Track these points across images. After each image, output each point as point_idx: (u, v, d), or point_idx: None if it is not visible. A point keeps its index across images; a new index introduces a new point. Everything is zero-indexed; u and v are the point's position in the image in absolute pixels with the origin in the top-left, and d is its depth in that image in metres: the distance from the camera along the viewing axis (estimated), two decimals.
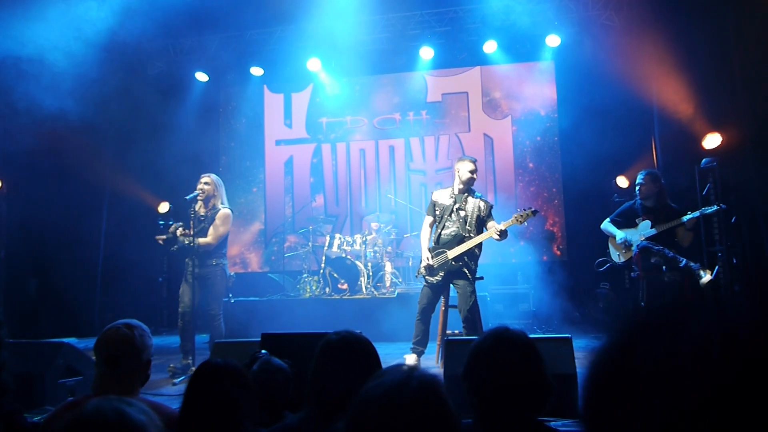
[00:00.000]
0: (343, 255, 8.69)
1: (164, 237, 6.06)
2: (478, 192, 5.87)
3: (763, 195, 6.98)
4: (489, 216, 5.76)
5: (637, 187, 6.04)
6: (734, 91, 7.33)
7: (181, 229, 6.02)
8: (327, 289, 8.66)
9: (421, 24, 9.82)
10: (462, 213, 5.70)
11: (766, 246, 6.79)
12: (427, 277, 5.74)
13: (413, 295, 6.00)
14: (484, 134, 10.32)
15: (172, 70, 10.39)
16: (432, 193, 6.05)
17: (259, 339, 3.83)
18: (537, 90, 10.07)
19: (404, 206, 9.82)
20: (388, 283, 8.57)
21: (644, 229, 5.90)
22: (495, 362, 1.85)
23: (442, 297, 5.89)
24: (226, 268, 6.26)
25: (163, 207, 9.70)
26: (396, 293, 8.22)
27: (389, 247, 8.97)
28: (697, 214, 5.70)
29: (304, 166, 10.84)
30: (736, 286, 7.25)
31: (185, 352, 5.93)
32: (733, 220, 7.32)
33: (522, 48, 9.91)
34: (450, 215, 5.72)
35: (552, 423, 1.86)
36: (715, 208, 5.87)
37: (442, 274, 5.67)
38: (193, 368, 5.69)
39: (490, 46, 9.79)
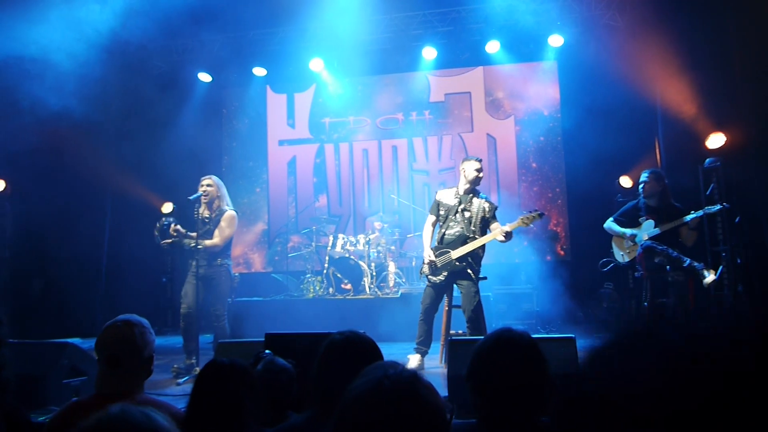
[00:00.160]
0: (347, 255, 8.69)
1: (170, 241, 6.04)
2: (482, 193, 5.87)
3: (766, 194, 6.97)
4: (493, 217, 5.77)
5: (641, 186, 6.03)
6: (737, 90, 7.32)
7: (173, 224, 6.01)
8: (330, 290, 8.66)
9: (423, 24, 9.82)
10: (467, 213, 5.70)
11: None
12: (430, 277, 5.73)
13: (416, 295, 6.00)
14: (487, 134, 10.31)
15: (174, 71, 10.40)
16: (436, 192, 6.05)
17: (262, 339, 3.83)
18: (540, 90, 10.06)
19: (407, 206, 9.82)
20: (391, 283, 8.57)
21: (648, 228, 5.89)
22: (498, 363, 1.85)
23: (445, 297, 5.89)
24: (230, 269, 6.26)
25: (167, 207, 9.71)
26: (399, 293, 8.22)
27: (392, 247, 8.97)
28: (700, 213, 5.69)
29: (307, 167, 10.84)
30: (740, 287, 7.24)
31: (189, 352, 5.93)
32: (737, 220, 7.30)
33: (525, 48, 9.90)
34: (454, 215, 5.72)
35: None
36: (719, 207, 5.86)
37: (445, 274, 5.66)
38: (197, 368, 5.72)
39: (493, 46, 9.79)
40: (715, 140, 7.45)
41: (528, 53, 9.98)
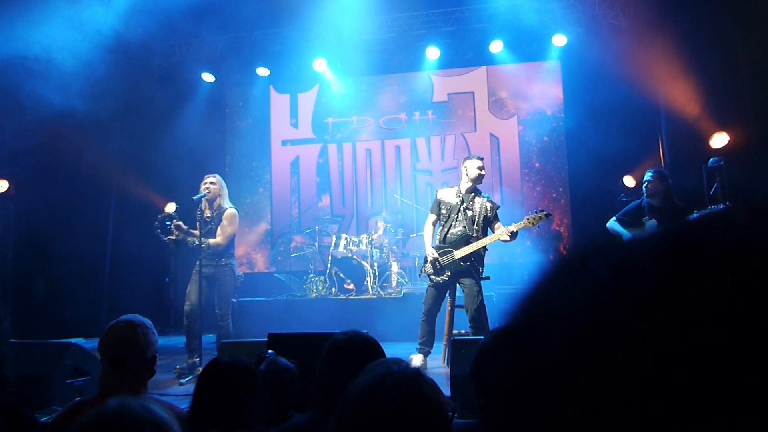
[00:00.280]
0: (349, 255, 8.69)
1: (173, 238, 6.05)
2: (483, 192, 5.87)
3: None
4: (495, 217, 5.77)
5: (645, 185, 6.01)
6: (741, 90, 7.30)
7: (175, 220, 6.01)
8: (333, 289, 8.67)
9: (427, 24, 9.82)
10: (469, 213, 5.69)
11: None
12: (432, 277, 5.72)
13: (419, 295, 6.00)
14: (490, 134, 10.31)
15: (178, 70, 10.41)
16: (437, 191, 6.04)
17: (265, 339, 3.83)
18: (543, 90, 10.05)
19: (410, 206, 9.81)
20: (394, 283, 8.57)
21: (651, 228, 5.87)
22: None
23: (448, 297, 5.89)
24: (235, 268, 6.27)
25: (170, 207, 9.71)
26: (402, 293, 8.21)
27: (395, 247, 8.97)
28: (704, 213, 5.67)
29: (310, 167, 10.84)
30: None
31: (191, 351, 5.94)
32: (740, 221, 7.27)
33: (528, 48, 9.89)
34: (457, 215, 5.71)
35: None
36: (723, 207, 5.83)
37: (448, 273, 5.65)
38: (200, 368, 5.72)
39: (496, 46, 9.78)
40: (719, 140, 7.43)
41: (531, 53, 9.97)
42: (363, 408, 1.12)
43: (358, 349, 2.09)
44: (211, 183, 6.12)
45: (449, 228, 5.71)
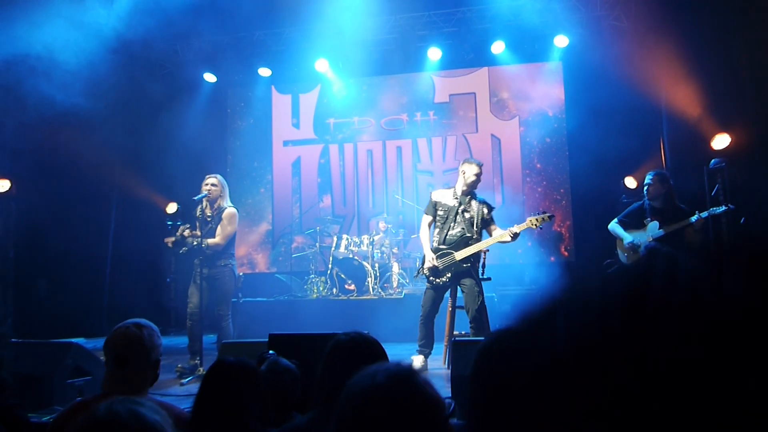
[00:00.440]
0: (351, 256, 8.69)
1: (173, 239, 6.07)
2: (480, 194, 5.89)
3: None
4: (491, 219, 5.80)
5: (646, 188, 6.01)
6: (743, 91, 7.30)
7: (188, 230, 6.04)
8: (334, 290, 8.67)
9: (428, 25, 9.83)
10: (467, 215, 5.70)
11: None
12: (432, 278, 5.71)
13: (420, 296, 5.99)
14: (492, 135, 10.31)
15: (179, 71, 10.42)
16: (431, 193, 6.04)
17: (266, 339, 3.83)
18: (545, 91, 10.05)
19: (411, 207, 9.81)
20: (395, 284, 8.57)
21: (652, 230, 5.87)
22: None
23: (449, 298, 5.89)
24: (235, 269, 6.27)
25: (171, 207, 9.73)
26: (403, 294, 8.22)
27: (396, 248, 8.97)
28: (705, 214, 5.67)
29: (311, 167, 10.85)
30: None
31: (193, 353, 5.94)
32: (742, 221, 7.27)
33: (530, 48, 9.89)
34: (455, 216, 5.71)
35: None
36: (724, 208, 5.83)
37: (449, 275, 5.66)
38: (201, 369, 5.73)
39: (497, 47, 9.78)
40: (721, 141, 7.42)
41: (533, 54, 9.97)
42: (357, 406, 1.13)
43: (360, 350, 2.09)
44: (212, 184, 6.13)
45: (448, 230, 5.71)
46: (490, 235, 5.76)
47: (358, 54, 9.97)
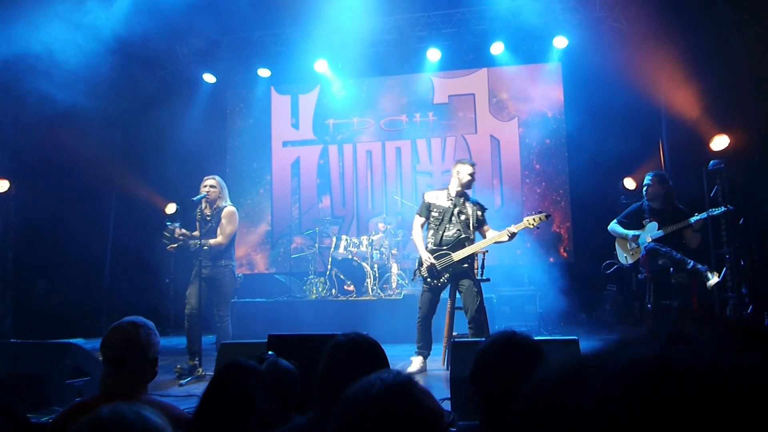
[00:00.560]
0: (350, 256, 8.69)
1: (176, 245, 6.06)
2: (472, 195, 5.93)
3: None
4: (484, 220, 5.82)
5: (645, 189, 6.02)
6: (742, 92, 7.31)
7: (178, 228, 6.02)
8: (333, 291, 8.67)
9: (428, 25, 9.83)
10: (463, 216, 5.71)
11: None
12: (429, 280, 5.71)
13: (419, 297, 5.98)
14: (491, 136, 10.31)
15: (179, 72, 10.42)
16: (424, 194, 6.03)
17: (265, 340, 3.83)
18: (544, 92, 10.05)
19: (410, 208, 9.79)
20: (394, 285, 8.57)
21: (651, 230, 5.88)
22: (502, 365, 1.85)
23: (448, 299, 5.89)
24: (234, 270, 6.27)
25: (170, 208, 9.73)
26: (402, 295, 8.21)
27: (395, 249, 8.97)
28: (704, 215, 5.67)
29: (310, 168, 10.85)
30: (744, 289, 7.23)
31: (192, 353, 5.93)
32: (741, 222, 7.28)
33: (529, 49, 9.90)
34: (450, 218, 5.72)
35: None
36: (723, 209, 5.84)
37: (447, 276, 5.65)
38: (200, 369, 5.73)
39: (497, 48, 9.79)
40: (719, 142, 7.43)
41: (532, 55, 9.98)
42: (353, 413, 1.12)
43: (360, 351, 2.09)
44: (211, 185, 6.12)
45: (444, 231, 5.71)
46: (483, 236, 5.78)
47: (358, 55, 9.98)
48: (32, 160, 8.74)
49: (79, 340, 6.33)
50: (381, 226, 9.11)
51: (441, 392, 4.33)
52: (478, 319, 5.50)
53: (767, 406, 0.42)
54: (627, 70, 8.29)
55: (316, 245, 9.33)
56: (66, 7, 7.37)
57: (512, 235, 5.54)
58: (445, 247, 5.67)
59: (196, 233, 5.97)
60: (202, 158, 9.72)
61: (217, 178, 6.25)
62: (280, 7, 9.13)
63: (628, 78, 8.27)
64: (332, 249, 8.88)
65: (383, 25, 9.74)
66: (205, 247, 5.88)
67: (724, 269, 6.80)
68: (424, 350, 5.72)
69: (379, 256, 8.76)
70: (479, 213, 5.80)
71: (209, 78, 10.54)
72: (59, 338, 6.69)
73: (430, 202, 5.85)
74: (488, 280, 5.89)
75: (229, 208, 6.15)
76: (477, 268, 5.92)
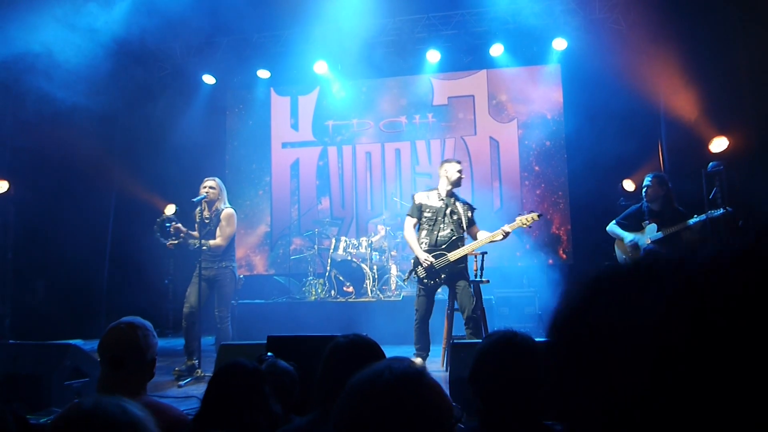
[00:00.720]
0: (349, 258, 8.69)
1: (176, 242, 6.06)
2: (459, 195, 5.96)
3: None
4: (473, 220, 5.85)
5: (644, 190, 6.02)
6: (741, 94, 7.31)
7: (174, 223, 6.03)
8: (332, 292, 8.66)
9: (428, 27, 9.83)
10: (455, 216, 5.73)
11: None
12: (426, 280, 5.70)
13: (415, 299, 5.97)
14: (490, 137, 10.31)
15: (179, 73, 10.42)
16: (413, 195, 6.03)
17: (264, 341, 3.83)
18: (543, 93, 10.06)
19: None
20: (393, 286, 8.57)
21: (651, 232, 5.88)
22: (501, 366, 1.85)
23: (447, 301, 5.90)
24: (235, 271, 6.28)
25: (170, 209, 9.70)
26: (401, 296, 8.21)
27: (394, 250, 8.97)
28: (703, 217, 5.68)
29: (310, 169, 10.85)
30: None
31: (190, 353, 5.94)
32: (740, 224, 7.28)
33: (529, 51, 9.91)
34: (443, 218, 5.73)
35: (558, 427, 1.85)
36: (722, 211, 5.84)
37: (443, 276, 5.66)
38: (199, 370, 5.73)
39: (496, 50, 9.79)
40: (719, 144, 7.43)
41: (531, 56, 9.98)
42: (359, 401, 1.10)
43: (359, 352, 2.09)
44: (210, 187, 6.13)
45: (438, 231, 5.71)
46: (472, 236, 5.80)
47: (357, 56, 9.97)
48: (31, 160, 8.74)
49: (77, 341, 6.33)
50: (380, 227, 9.11)
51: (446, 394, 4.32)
52: (476, 319, 5.51)
53: None
54: (626, 71, 8.30)
55: (316, 246, 9.33)
56: (66, 8, 7.37)
57: (506, 234, 5.58)
58: (440, 248, 5.68)
59: (196, 234, 5.97)
60: (201, 159, 9.72)
61: (216, 179, 6.26)
62: (279, 9, 9.13)
63: (628, 80, 8.28)
64: (331, 250, 8.88)
65: (383, 26, 9.75)
66: (204, 248, 5.88)
67: None
68: (423, 352, 5.73)
69: (378, 257, 8.76)
70: (469, 213, 5.83)
71: (209, 79, 10.53)
72: (58, 339, 6.68)
73: (421, 202, 5.85)
74: (487, 281, 5.90)
75: (228, 210, 6.16)
76: (476, 269, 5.94)
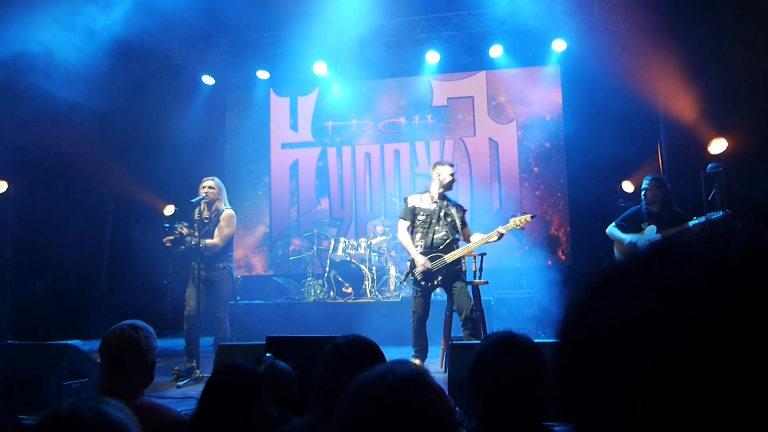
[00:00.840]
0: (348, 259, 8.69)
1: (172, 238, 6.06)
2: (451, 197, 5.99)
3: None
4: (465, 221, 5.87)
5: (643, 192, 6.02)
6: (740, 96, 7.32)
7: (186, 228, 6.04)
8: (331, 293, 8.66)
9: (427, 28, 9.84)
10: (449, 218, 5.75)
11: None
12: (423, 282, 5.70)
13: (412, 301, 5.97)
14: (490, 138, 10.32)
15: (178, 73, 10.42)
16: (406, 198, 6.03)
17: (263, 342, 3.82)
18: (543, 94, 10.06)
19: None
20: (392, 287, 8.57)
21: (650, 234, 5.88)
22: (500, 367, 1.85)
23: (446, 302, 5.90)
24: (233, 272, 6.27)
25: (169, 210, 9.72)
26: (400, 297, 8.22)
27: (393, 251, 8.97)
28: (702, 219, 5.68)
29: (309, 170, 10.85)
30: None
31: (190, 355, 5.93)
32: (739, 226, 7.28)
33: (528, 52, 9.92)
34: (437, 220, 5.74)
35: (557, 428, 1.86)
36: (721, 213, 5.84)
37: (440, 278, 5.67)
38: (198, 371, 5.73)
39: (496, 51, 9.80)
40: (718, 146, 7.44)
41: (531, 58, 9.99)
42: (360, 402, 1.10)
43: (359, 353, 2.09)
44: (209, 187, 6.13)
45: (433, 233, 5.72)
46: (465, 238, 5.82)
47: (357, 57, 9.98)
48: (30, 161, 8.73)
49: (76, 342, 6.32)
50: (379, 228, 9.11)
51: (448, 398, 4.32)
52: (474, 319, 5.52)
53: None
54: (625, 73, 8.30)
55: (315, 247, 9.33)
56: (65, 7, 7.37)
57: (500, 236, 5.61)
58: (436, 250, 5.68)
59: (195, 234, 5.97)
60: (200, 160, 9.72)
61: (215, 179, 6.25)
62: (279, 9, 9.13)
63: (627, 81, 8.28)
64: (330, 251, 8.88)
65: (382, 27, 9.75)
66: (200, 246, 5.88)
67: None
68: (421, 354, 5.73)
69: (377, 258, 8.76)
70: (461, 215, 5.85)
71: (208, 80, 10.53)
72: (57, 339, 6.67)
73: (415, 205, 5.86)
74: (486, 282, 5.91)
75: (228, 212, 6.16)
76: (476, 270, 5.95)
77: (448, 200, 5.87)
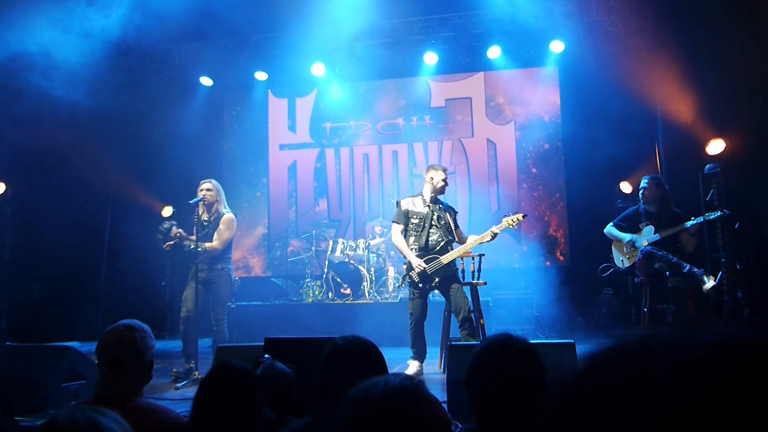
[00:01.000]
0: (346, 260, 8.69)
1: (172, 243, 6.06)
2: (444, 200, 6.01)
3: (766, 200, 6.97)
4: (456, 223, 5.91)
5: (641, 192, 6.03)
6: (738, 97, 7.33)
7: (174, 228, 6.02)
8: (330, 294, 8.66)
9: (425, 29, 9.84)
10: (443, 221, 5.77)
11: None
12: (421, 284, 5.70)
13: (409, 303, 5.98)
14: (487, 139, 10.32)
15: (176, 75, 10.42)
16: (399, 202, 6.04)
17: (262, 343, 3.82)
18: (541, 95, 10.07)
19: None
20: (390, 288, 8.57)
21: (648, 234, 5.89)
22: (497, 368, 1.86)
23: (444, 303, 5.91)
24: (231, 273, 6.26)
25: (167, 211, 9.72)
26: (399, 298, 8.21)
27: (392, 252, 8.96)
28: (700, 219, 5.69)
29: (307, 171, 10.85)
30: (739, 292, 7.25)
31: (188, 356, 5.93)
32: (736, 226, 7.30)
33: (526, 53, 9.93)
34: (431, 223, 5.75)
35: None
36: (719, 213, 5.85)
37: (437, 279, 5.68)
38: (196, 372, 5.72)
39: (494, 52, 9.81)
40: (715, 146, 7.46)
41: (529, 59, 10.00)
42: (355, 414, 1.10)
43: (358, 354, 2.09)
44: (207, 189, 6.11)
45: (427, 236, 5.73)
46: (458, 239, 5.84)
47: (355, 58, 9.98)
48: (29, 161, 8.73)
49: (74, 343, 6.31)
50: (378, 229, 9.11)
51: (437, 396, 4.33)
52: (471, 320, 5.53)
53: None
54: (624, 74, 8.32)
55: (313, 248, 9.33)
56: (64, 8, 7.37)
57: (494, 236, 5.64)
58: (431, 252, 5.70)
59: (193, 237, 5.96)
60: (198, 161, 9.71)
61: (213, 181, 6.24)
62: (277, 11, 9.13)
63: (625, 82, 8.30)
64: (329, 252, 8.88)
65: (380, 28, 9.75)
66: (199, 249, 5.87)
67: (720, 273, 6.82)
68: (419, 355, 5.74)
69: (375, 259, 8.76)
70: (453, 217, 5.90)
71: (206, 81, 10.53)
72: (55, 341, 6.67)
73: (408, 209, 5.87)
74: (485, 283, 5.92)
75: (228, 215, 6.15)
76: (474, 271, 5.97)
77: (440, 203, 5.89)
